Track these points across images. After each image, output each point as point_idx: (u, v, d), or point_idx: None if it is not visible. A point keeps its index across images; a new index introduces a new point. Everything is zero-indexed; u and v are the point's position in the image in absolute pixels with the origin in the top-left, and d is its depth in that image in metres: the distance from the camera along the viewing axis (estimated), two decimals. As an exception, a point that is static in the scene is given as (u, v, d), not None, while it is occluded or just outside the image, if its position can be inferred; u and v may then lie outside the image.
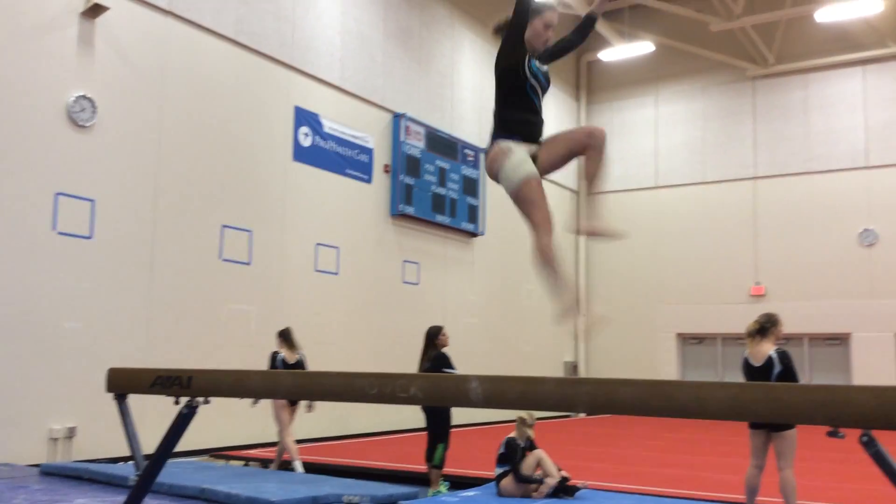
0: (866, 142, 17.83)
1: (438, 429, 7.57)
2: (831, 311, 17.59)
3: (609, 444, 12.32)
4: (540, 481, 6.95)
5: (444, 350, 7.72)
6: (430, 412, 7.61)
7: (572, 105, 20.73)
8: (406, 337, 14.23)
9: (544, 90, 3.87)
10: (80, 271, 9.19)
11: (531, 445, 7.23)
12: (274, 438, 11.16)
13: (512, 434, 7.21)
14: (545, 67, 3.90)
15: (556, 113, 19.89)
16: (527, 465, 7.07)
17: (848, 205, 17.77)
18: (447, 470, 7.67)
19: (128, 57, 9.89)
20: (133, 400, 4.12)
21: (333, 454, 9.95)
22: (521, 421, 7.23)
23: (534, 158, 3.76)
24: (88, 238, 9.31)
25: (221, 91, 11.05)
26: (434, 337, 7.73)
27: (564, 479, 7.02)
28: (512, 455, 7.03)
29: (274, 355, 8.88)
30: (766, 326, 6.01)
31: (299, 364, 8.83)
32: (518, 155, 3.72)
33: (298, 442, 11.57)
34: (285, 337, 8.94)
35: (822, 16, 16.40)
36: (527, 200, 3.69)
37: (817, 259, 17.89)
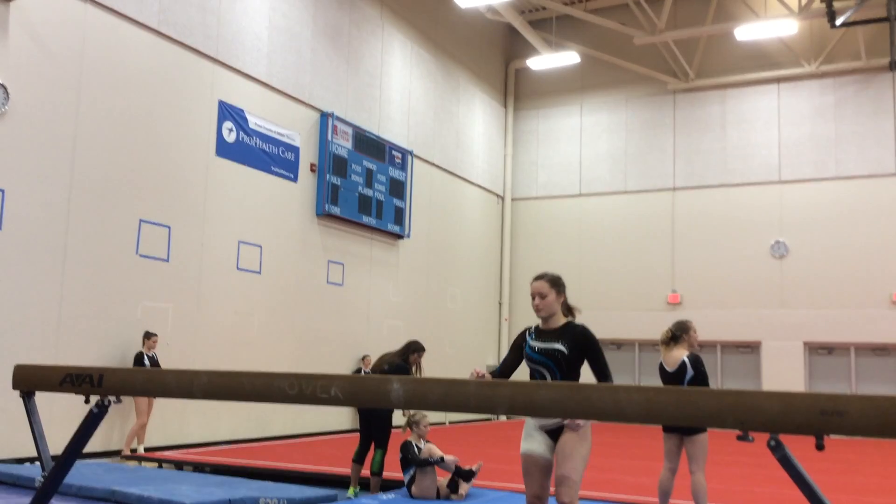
0: (779, 157, 18.52)
1: (379, 435, 7.21)
2: (743, 320, 18.23)
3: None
4: (440, 460, 7.03)
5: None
6: (369, 416, 7.28)
7: (500, 111, 20.92)
8: (329, 338, 14.12)
9: (552, 365, 4.25)
10: (-14, 264, 8.81)
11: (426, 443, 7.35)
12: (196, 440, 10.95)
13: (408, 438, 7.23)
14: (556, 344, 4.35)
15: (483, 118, 20.06)
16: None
17: (761, 217, 18.44)
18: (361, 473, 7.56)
19: (44, 43, 9.53)
20: (41, 398, 3.97)
21: (252, 456, 9.78)
22: (410, 419, 7.29)
23: (558, 430, 4.17)
24: (-3, 230, 8.94)
25: (142, 82, 10.75)
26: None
27: (456, 464, 7.16)
28: (410, 455, 7.09)
29: (140, 355, 10.08)
30: (677, 334, 6.18)
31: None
32: (526, 431, 4.28)
33: (217, 444, 11.35)
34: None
35: (741, 34, 16.99)
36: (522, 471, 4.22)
37: (731, 269, 18.51)
